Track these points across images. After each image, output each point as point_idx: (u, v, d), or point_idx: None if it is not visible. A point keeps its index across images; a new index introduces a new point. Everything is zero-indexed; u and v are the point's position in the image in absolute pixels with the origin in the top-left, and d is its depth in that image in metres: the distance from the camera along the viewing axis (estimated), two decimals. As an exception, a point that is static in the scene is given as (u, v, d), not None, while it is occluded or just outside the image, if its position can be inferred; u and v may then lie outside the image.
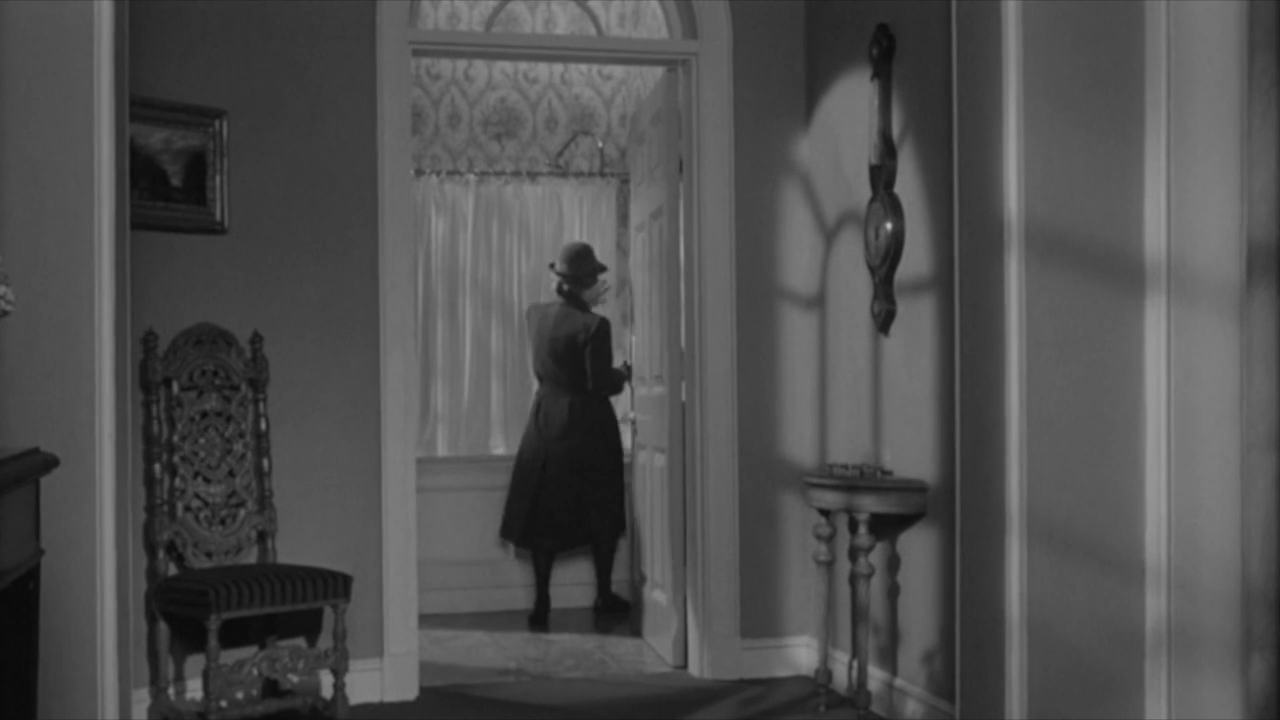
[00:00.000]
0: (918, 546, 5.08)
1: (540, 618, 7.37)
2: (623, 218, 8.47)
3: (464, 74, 8.36)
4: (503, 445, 8.32)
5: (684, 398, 6.17)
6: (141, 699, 5.05)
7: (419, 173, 8.10)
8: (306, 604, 5.03)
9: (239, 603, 4.84)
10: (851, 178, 5.58)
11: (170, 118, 5.26)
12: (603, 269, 7.56)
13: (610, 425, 7.47)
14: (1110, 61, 4.13)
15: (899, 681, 5.20)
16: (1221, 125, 4.05)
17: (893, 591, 5.26)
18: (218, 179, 5.41)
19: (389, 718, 5.38)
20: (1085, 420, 4.14)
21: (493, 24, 8.13)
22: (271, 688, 5.21)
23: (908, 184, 5.17)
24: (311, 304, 5.57)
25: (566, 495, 7.35)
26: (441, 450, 8.27)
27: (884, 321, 5.30)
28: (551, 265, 7.59)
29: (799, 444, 6.00)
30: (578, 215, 8.48)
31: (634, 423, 7.04)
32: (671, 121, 6.25)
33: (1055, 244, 4.13)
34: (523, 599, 7.72)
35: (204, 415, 5.32)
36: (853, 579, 5.11)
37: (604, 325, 7.38)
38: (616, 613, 7.53)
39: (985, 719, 4.24)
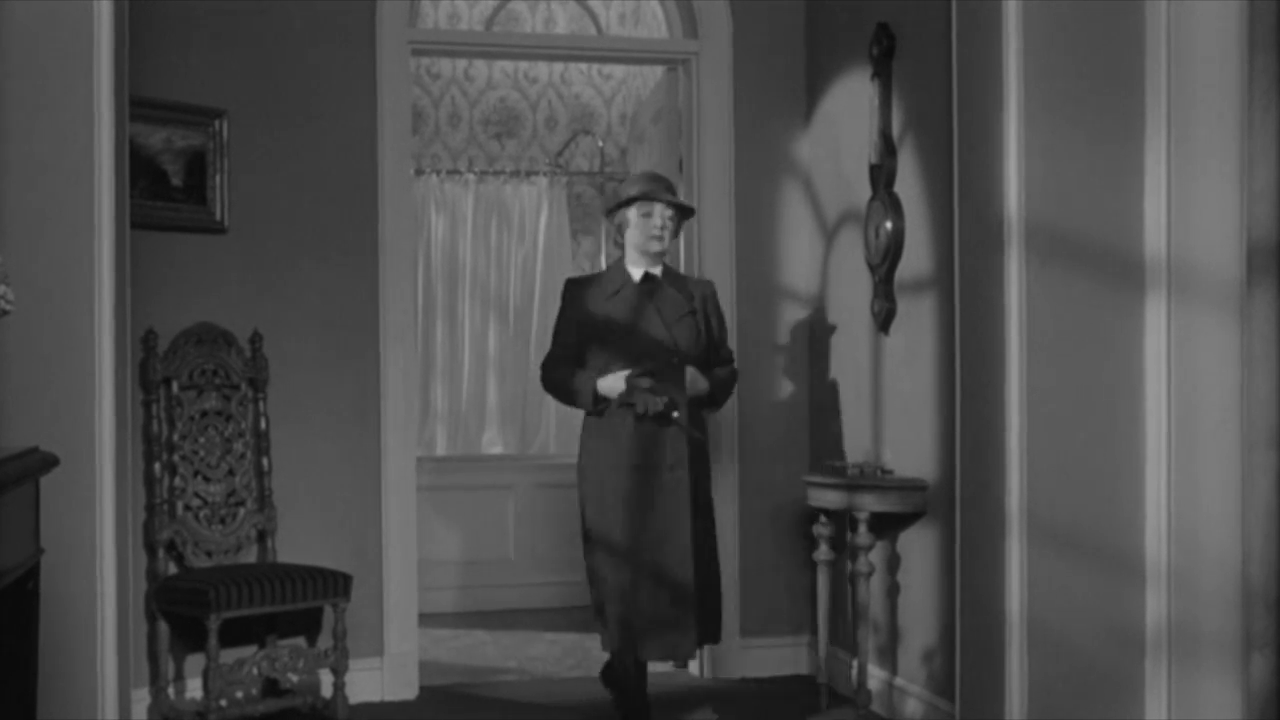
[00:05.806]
0: (918, 545, 5.07)
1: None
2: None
3: (464, 73, 8.36)
4: (501, 445, 8.32)
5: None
6: (141, 698, 5.05)
7: (419, 172, 8.09)
8: (306, 603, 5.03)
9: (239, 602, 4.84)
10: (851, 177, 5.58)
11: (170, 118, 5.26)
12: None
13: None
14: (1110, 61, 4.13)
15: (899, 680, 5.19)
16: (1222, 124, 4.04)
17: (893, 591, 5.26)
18: (218, 179, 5.40)
19: (389, 717, 5.38)
20: (1085, 420, 4.13)
21: (493, 23, 8.13)
22: (271, 687, 5.21)
23: (908, 183, 5.17)
24: (311, 304, 5.57)
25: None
26: (441, 450, 8.26)
27: (884, 320, 5.30)
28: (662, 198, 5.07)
29: (799, 443, 5.99)
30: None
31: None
32: (672, 121, 6.24)
33: (1055, 243, 4.13)
34: (523, 598, 7.71)
35: (204, 414, 5.31)
36: (853, 578, 5.11)
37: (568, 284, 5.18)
38: None
39: (985, 718, 4.24)
